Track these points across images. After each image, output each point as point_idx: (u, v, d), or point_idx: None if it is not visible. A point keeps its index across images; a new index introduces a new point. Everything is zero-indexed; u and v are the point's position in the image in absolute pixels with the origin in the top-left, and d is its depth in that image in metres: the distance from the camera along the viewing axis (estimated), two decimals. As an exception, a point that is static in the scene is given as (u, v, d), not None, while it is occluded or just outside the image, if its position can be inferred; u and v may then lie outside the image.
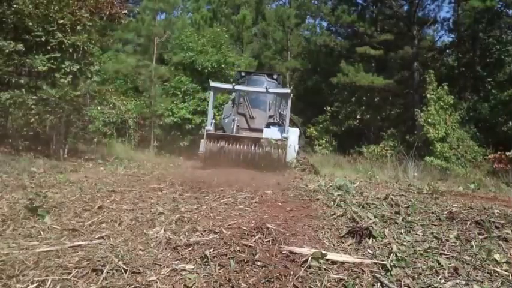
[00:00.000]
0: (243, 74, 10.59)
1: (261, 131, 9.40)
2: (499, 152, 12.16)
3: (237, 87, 9.01)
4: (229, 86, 8.96)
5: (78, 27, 9.17)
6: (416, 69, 21.13)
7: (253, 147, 8.36)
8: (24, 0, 8.24)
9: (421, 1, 22.38)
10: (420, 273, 2.22)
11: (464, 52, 21.91)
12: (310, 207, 3.95)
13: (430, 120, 14.63)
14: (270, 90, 8.87)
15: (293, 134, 8.94)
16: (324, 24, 28.00)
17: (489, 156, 12.77)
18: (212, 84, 8.71)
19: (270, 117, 10.05)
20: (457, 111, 15.75)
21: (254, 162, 8.38)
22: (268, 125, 9.64)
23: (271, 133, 8.94)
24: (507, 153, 11.31)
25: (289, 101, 8.74)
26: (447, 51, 24.05)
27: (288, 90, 8.98)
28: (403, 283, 2.11)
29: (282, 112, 10.37)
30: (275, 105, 10.39)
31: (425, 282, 2.12)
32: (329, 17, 24.78)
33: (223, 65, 17.12)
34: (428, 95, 15.28)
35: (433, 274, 2.23)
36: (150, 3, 21.30)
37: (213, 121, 8.97)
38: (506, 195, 6.33)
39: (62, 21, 8.71)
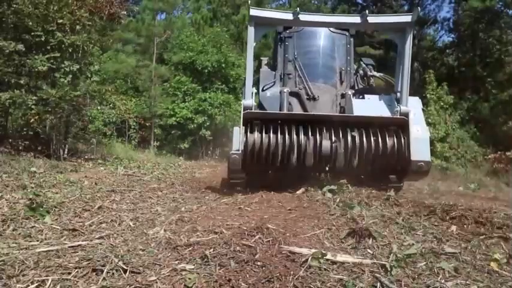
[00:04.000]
0: None
1: None
2: (499, 152, 12.15)
3: (304, 16, 4.88)
4: (287, 16, 4.90)
5: (78, 27, 9.16)
6: (416, 69, 21.14)
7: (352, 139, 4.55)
8: (24, 0, 8.24)
9: (421, 1, 22.40)
10: (420, 273, 2.22)
11: (464, 52, 21.94)
12: (310, 207, 3.95)
13: (430, 120, 14.63)
14: (371, 18, 4.89)
15: (416, 108, 4.92)
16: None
17: (489, 156, 12.76)
18: (253, 12, 4.73)
19: (344, 96, 5.76)
20: (457, 111, 15.76)
21: (343, 169, 4.62)
22: (358, 92, 5.83)
23: (372, 107, 5.11)
24: (507, 153, 11.30)
25: (409, 39, 4.73)
26: (447, 51, 24.06)
27: (408, 18, 4.72)
28: (403, 283, 2.11)
29: (368, 72, 6.28)
30: (350, 75, 6.11)
31: (425, 282, 2.11)
32: (329, 17, 24.78)
33: (223, 65, 17.12)
34: (428, 95, 15.28)
35: (433, 274, 2.22)
36: (150, 3, 21.34)
37: (254, 91, 5.14)
38: (506, 195, 6.33)
39: (61, 21, 8.71)
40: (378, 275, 2.19)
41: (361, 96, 5.60)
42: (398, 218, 3.39)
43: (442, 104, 14.94)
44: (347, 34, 6.18)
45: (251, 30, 4.78)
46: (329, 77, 6.04)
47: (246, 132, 4.56)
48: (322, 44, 6.11)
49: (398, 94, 4.88)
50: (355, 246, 2.74)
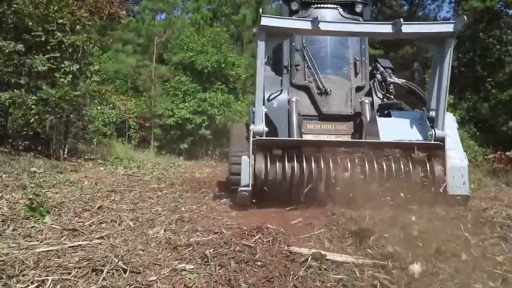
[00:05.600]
0: (293, 6, 5.56)
1: (345, 119, 5.21)
2: (499, 152, 12.13)
3: (325, 25, 4.03)
4: (305, 25, 4.04)
5: (78, 27, 9.15)
6: (416, 69, 21.11)
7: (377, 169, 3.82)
8: (24, 0, 8.24)
9: (421, 1, 22.44)
10: (420, 274, 2.22)
11: (464, 52, 21.90)
12: (310, 207, 3.94)
13: (430, 120, 14.60)
14: (405, 27, 3.91)
15: (451, 128, 4.26)
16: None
17: (489, 156, 12.74)
18: (265, 21, 3.85)
19: (359, 89, 5.45)
20: (457, 111, 15.74)
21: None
22: (382, 109, 5.15)
23: (399, 128, 4.37)
24: (507, 153, 11.29)
25: (450, 51, 4.00)
26: (447, 51, 24.06)
27: (450, 28, 3.94)
28: (403, 283, 2.11)
29: (388, 78, 5.54)
30: (365, 66, 5.65)
31: (425, 282, 2.12)
32: (329, 17, 24.77)
33: (223, 65, 17.11)
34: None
35: (433, 274, 2.22)
36: (150, 3, 21.34)
37: (265, 110, 4.33)
38: (506, 195, 6.33)
39: (61, 21, 8.70)
40: (378, 275, 2.19)
41: (386, 112, 4.92)
42: (398, 217, 3.38)
43: (442, 104, 14.94)
44: (360, 19, 5.61)
45: (261, 45, 3.93)
46: (342, 67, 5.54)
47: (255, 161, 3.98)
48: None
49: (431, 113, 4.29)
50: (355, 246, 2.74)
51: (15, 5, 8.23)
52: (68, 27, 8.83)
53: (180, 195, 4.89)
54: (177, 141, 16.66)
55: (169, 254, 2.53)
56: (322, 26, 3.99)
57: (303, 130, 5.12)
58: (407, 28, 4.01)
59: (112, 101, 10.92)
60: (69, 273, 2.15)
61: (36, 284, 2.02)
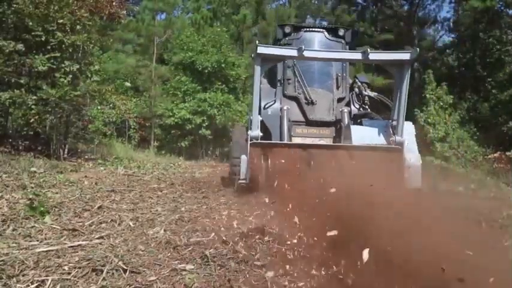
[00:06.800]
0: (287, 30, 6.57)
1: (328, 125, 6.09)
2: (499, 152, 12.14)
3: (308, 52, 4.95)
4: (291, 53, 5.00)
5: (78, 27, 9.14)
6: (416, 69, 21.15)
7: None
8: (24, 0, 8.24)
9: (422, 1, 22.47)
10: (420, 273, 2.22)
11: (464, 52, 21.92)
12: (310, 207, 3.93)
13: (429, 120, 14.61)
14: (371, 55, 4.90)
15: (410, 134, 5.25)
16: (324, 24, 28.04)
17: (489, 156, 12.75)
18: (260, 49, 4.75)
19: (340, 100, 6.35)
20: (457, 111, 15.74)
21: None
22: (356, 118, 6.02)
23: (368, 134, 5.22)
24: (507, 153, 11.30)
25: (407, 74, 4.89)
26: (447, 51, 24.06)
27: (406, 56, 4.86)
28: (403, 283, 2.11)
29: (364, 92, 6.42)
30: (345, 81, 6.59)
31: (425, 282, 2.12)
32: (329, 17, 24.83)
33: (223, 65, 17.10)
34: (427, 95, 15.28)
35: (433, 274, 2.22)
36: (150, 3, 21.34)
37: (260, 119, 5.25)
38: (506, 195, 6.33)
39: (61, 21, 8.69)
40: (377, 275, 2.19)
41: (359, 121, 5.82)
42: (398, 217, 3.38)
43: (441, 103, 14.94)
44: (343, 42, 6.62)
45: (257, 68, 4.85)
46: (326, 82, 6.49)
47: (254, 160, 4.72)
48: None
49: (394, 122, 5.15)
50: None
51: (15, 5, 8.22)
52: (68, 27, 8.83)
53: (180, 195, 4.90)
54: (178, 138, 16.66)
55: (169, 254, 2.53)
56: (306, 53, 4.88)
57: (292, 133, 5.90)
58: (374, 56, 5.03)
59: (112, 101, 10.90)
60: (69, 273, 2.15)
61: (36, 284, 2.02)
